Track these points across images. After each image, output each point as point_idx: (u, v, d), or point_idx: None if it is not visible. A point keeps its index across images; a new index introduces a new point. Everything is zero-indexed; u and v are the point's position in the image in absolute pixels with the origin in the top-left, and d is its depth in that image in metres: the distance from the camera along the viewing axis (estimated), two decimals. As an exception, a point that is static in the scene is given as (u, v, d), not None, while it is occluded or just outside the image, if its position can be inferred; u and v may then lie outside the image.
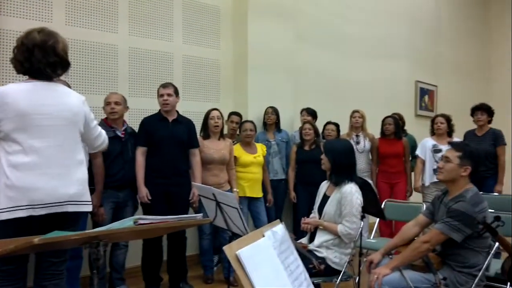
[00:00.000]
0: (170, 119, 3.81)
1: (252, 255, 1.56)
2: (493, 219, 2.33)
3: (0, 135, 2.14)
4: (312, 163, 4.34)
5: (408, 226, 2.82)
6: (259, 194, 4.40)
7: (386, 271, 2.43)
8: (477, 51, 8.94)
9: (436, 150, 4.76)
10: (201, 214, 1.82)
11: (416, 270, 2.52)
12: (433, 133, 4.95)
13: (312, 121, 4.97)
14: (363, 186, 3.01)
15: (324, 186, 3.13)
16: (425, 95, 7.75)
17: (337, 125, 5.03)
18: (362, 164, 4.96)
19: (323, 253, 2.84)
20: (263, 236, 1.70)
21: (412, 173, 5.11)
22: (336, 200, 2.91)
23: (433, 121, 4.98)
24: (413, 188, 5.06)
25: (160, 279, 3.89)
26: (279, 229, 1.82)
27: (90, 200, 2.34)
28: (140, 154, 3.69)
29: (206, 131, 4.14)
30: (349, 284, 3.29)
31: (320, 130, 5.02)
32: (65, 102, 2.27)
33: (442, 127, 4.83)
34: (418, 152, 4.95)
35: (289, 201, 4.87)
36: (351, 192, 2.86)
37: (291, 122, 5.37)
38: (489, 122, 4.98)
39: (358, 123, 5.11)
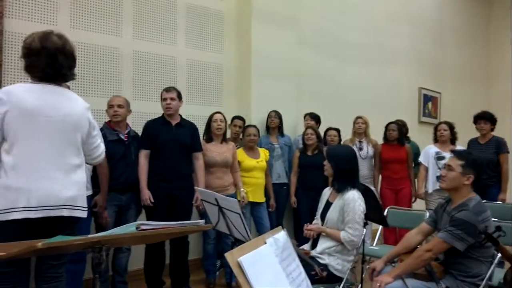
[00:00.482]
0: (173, 123, 3.81)
1: (254, 262, 1.56)
2: (495, 229, 2.32)
3: (5, 135, 2.12)
4: (314, 168, 4.35)
5: (411, 234, 2.81)
6: (261, 199, 4.40)
7: (389, 279, 2.42)
8: (481, 57, 8.94)
9: (439, 158, 4.75)
10: (203, 220, 1.81)
11: (418, 279, 2.51)
12: (436, 140, 4.94)
13: (314, 126, 4.97)
14: (366, 193, 3.00)
15: (326, 192, 3.13)
16: (428, 102, 7.74)
17: (338, 131, 5.03)
18: (364, 170, 4.95)
19: (325, 259, 2.83)
20: (265, 243, 1.70)
21: (416, 180, 5.10)
22: (339, 207, 2.90)
23: (436, 128, 4.98)
24: (416, 195, 5.05)
25: (162, 282, 3.90)
26: (281, 236, 1.82)
27: (85, 206, 2.31)
28: (143, 157, 3.70)
29: (209, 134, 4.14)
30: (351, 291, 3.28)
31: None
32: (70, 107, 2.27)
33: (445, 134, 4.83)
34: (421, 159, 4.94)
35: (290, 206, 4.86)
36: (354, 198, 2.85)
37: (294, 127, 5.37)
38: (492, 130, 4.98)
39: (361, 129, 5.11)
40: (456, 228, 2.40)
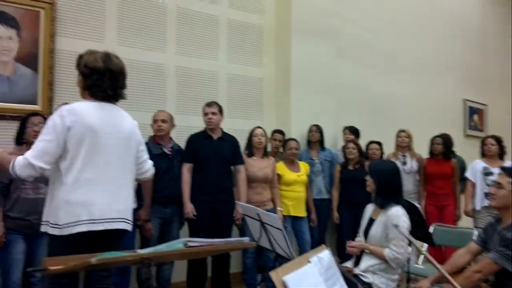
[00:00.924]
0: (215, 137, 3.88)
1: (299, 281, 1.56)
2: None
3: (64, 150, 2.19)
4: (356, 183, 4.27)
5: (459, 253, 2.72)
6: (303, 213, 4.38)
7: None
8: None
9: (487, 173, 4.58)
10: (247, 238, 1.83)
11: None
12: (483, 154, 4.77)
13: (355, 140, 4.91)
14: (410, 209, 2.93)
15: (369, 209, 3.07)
16: (474, 114, 7.50)
17: (380, 144, 4.94)
18: (409, 185, 4.82)
19: (369, 278, 2.77)
20: (309, 262, 1.69)
21: (462, 196, 4.93)
22: (382, 223, 2.84)
23: (483, 142, 4.81)
24: (463, 212, 4.87)
25: (204, 295, 3.94)
26: (325, 255, 1.80)
27: (131, 218, 2.38)
28: (186, 171, 3.77)
29: (250, 149, 4.18)
30: (395, 311, 3.19)
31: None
32: (123, 124, 2.36)
33: (493, 148, 4.66)
34: (468, 174, 4.77)
35: (332, 222, 4.80)
36: (398, 215, 2.78)
37: (333, 140, 5.32)
38: None
39: (404, 143, 5.00)
40: (507, 249, 2.31)
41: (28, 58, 3.67)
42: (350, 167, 4.66)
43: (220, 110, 3.92)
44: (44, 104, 3.70)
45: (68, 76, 3.73)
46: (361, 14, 5.94)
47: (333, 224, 4.87)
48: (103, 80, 2.27)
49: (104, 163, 2.24)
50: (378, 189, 2.92)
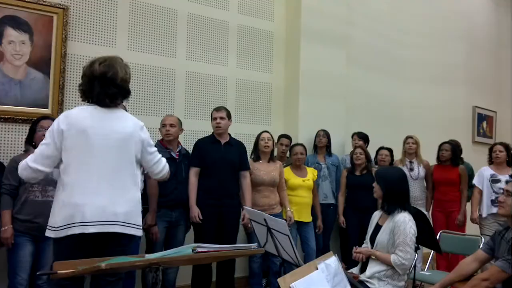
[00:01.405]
0: (223, 141, 3.90)
1: (306, 288, 1.57)
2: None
3: (62, 154, 2.26)
4: (363, 189, 4.27)
5: (466, 261, 2.71)
6: (308, 218, 4.37)
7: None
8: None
9: (494, 180, 4.56)
10: (255, 244, 1.84)
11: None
12: (491, 161, 4.75)
13: (363, 146, 4.90)
14: (417, 216, 2.93)
15: (376, 215, 3.08)
16: (483, 121, 7.46)
17: (390, 150, 4.93)
18: (416, 192, 4.81)
19: (375, 284, 2.77)
20: (317, 268, 1.71)
21: (469, 203, 4.91)
22: (389, 230, 2.84)
23: (491, 149, 4.79)
24: (469, 219, 4.84)
25: (209, 298, 3.95)
26: (332, 261, 1.82)
27: (140, 224, 2.38)
28: (193, 175, 3.79)
29: (257, 153, 4.19)
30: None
31: (372, 155, 4.95)
32: (120, 126, 2.36)
33: (501, 155, 4.64)
34: (475, 181, 4.75)
35: (338, 227, 4.79)
36: (405, 221, 2.79)
37: (341, 146, 5.33)
38: None
39: (412, 149, 4.99)
40: (515, 258, 2.31)
41: (40, 62, 3.72)
42: (357, 173, 4.66)
43: (228, 115, 3.95)
44: (55, 107, 3.75)
45: (78, 80, 3.74)
46: (371, 20, 5.95)
47: (338, 230, 4.86)
48: (84, 84, 2.36)
49: (98, 166, 2.26)
50: (385, 196, 2.93)
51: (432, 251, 3.85)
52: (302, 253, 4.33)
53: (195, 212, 3.72)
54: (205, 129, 4.22)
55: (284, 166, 4.41)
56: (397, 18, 6.24)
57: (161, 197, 3.62)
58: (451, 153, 4.92)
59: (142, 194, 3.44)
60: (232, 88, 4.84)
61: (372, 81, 5.87)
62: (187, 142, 4.18)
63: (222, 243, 2.72)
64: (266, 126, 4.74)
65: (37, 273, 2.14)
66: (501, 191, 3.48)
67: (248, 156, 4.17)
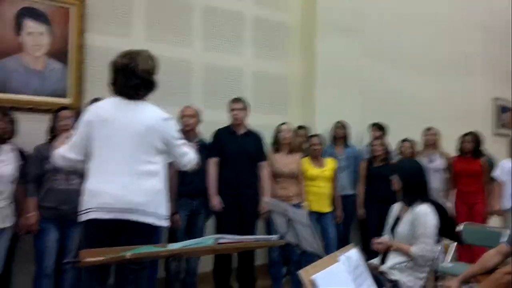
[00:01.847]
0: (240, 132, 3.93)
1: (327, 280, 1.56)
2: None
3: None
4: (382, 179, 4.23)
5: (489, 254, 2.66)
6: (327, 209, 4.35)
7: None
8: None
9: (516, 173, 4.47)
10: (276, 236, 1.84)
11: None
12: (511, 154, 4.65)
13: (382, 137, 4.86)
14: (436, 208, 2.90)
15: (396, 207, 3.05)
16: (504, 113, 7.30)
17: (413, 143, 4.87)
18: (436, 183, 4.72)
19: (396, 275, 2.74)
20: (338, 261, 1.70)
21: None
22: (409, 221, 2.82)
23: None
24: (490, 212, 4.78)
25: (230, 286, 3.99)
26: (353, 253, 1.80)
27: (163, 214, 2.38)
28: (213, 165, 3.84)
29: (276, 145, 4.19)
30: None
31: (393, 147, 4.89)
32: (140, 117, 2.39)
33: (521, 148, 4.53)
34: (496, 174, 4.67)
35: (357, 218, 4.78)
36: (425, 212, 2.76)
37: (358, 137, 5.28)
38: None
39: (431, 141, 4.92)
40: (540, 251, 2.25)
41: (58, 53, 3.76)
42: (376, 164, 4.62)
43: (245, 106, 3.97)
44: (75, 97, 3.79)
45: (97, 71, 3.80)
46: (387, 12, 5.83)
47: (358, 221, 4.83)
48: (117, 77, 2.41)
49: (117, 154, 2.32)
50: (404, 188, 2.91)
51: (455, 242, 3.80)
52: (322, 244, 4.31)
53: (216, 201, 3.78)
54: (223, 119, 4.22)
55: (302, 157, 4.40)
56: (412, 10, 6.09)
57: (181, 186, 3.64)
58: (473, 144, 4.84)
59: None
60: (248, 79, 4.82)
61: (388, 73, 5.76)
62: (206, 132, 4.18)
63: (242, 232, 2.74)
64: (283, 117, 4.71)
65: (63, 261, 2.21)
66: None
67: (266, 147, 4.16)
